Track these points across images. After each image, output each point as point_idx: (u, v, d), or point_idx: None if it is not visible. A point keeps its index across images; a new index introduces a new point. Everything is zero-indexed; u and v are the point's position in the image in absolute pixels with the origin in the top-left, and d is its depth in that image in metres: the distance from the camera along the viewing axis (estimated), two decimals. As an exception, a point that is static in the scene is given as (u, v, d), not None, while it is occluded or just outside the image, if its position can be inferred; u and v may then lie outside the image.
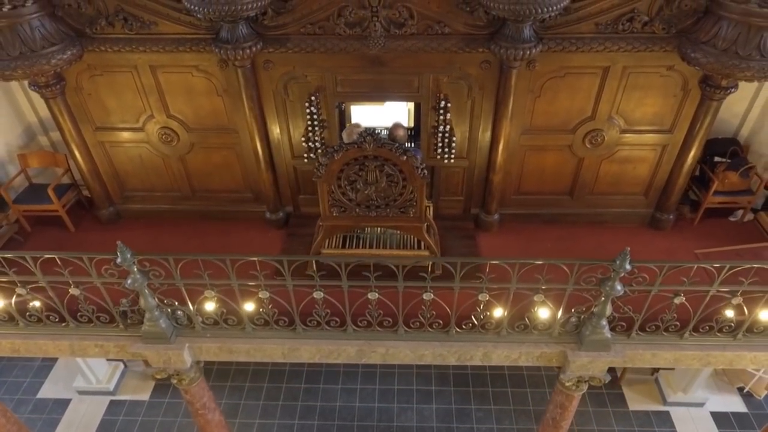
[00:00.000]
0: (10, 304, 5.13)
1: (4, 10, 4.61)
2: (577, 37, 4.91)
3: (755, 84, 5.93)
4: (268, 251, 6.21)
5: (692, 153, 5.65)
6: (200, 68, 5.36)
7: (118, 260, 4.49)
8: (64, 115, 5.71)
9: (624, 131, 5.66)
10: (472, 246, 6.21)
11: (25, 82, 6.15)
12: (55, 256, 4.63)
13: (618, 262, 4.36)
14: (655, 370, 8.55)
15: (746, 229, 6.37)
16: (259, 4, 4.58)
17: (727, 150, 6.18)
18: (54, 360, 9.03)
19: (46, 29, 4.86)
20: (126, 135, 6.01)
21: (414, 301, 4.80)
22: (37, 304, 5.20)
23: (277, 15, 4.90)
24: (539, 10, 4.33)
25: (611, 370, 8.33)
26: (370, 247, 5.77)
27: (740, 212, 6.44)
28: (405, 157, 4.83)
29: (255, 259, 4.63)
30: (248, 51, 4.92)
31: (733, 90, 5.11)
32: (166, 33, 5.08)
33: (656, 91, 5.33)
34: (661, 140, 5.71)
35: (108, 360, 8.66)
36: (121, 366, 8.82)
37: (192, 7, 4.52)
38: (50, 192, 6.26)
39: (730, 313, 4.87)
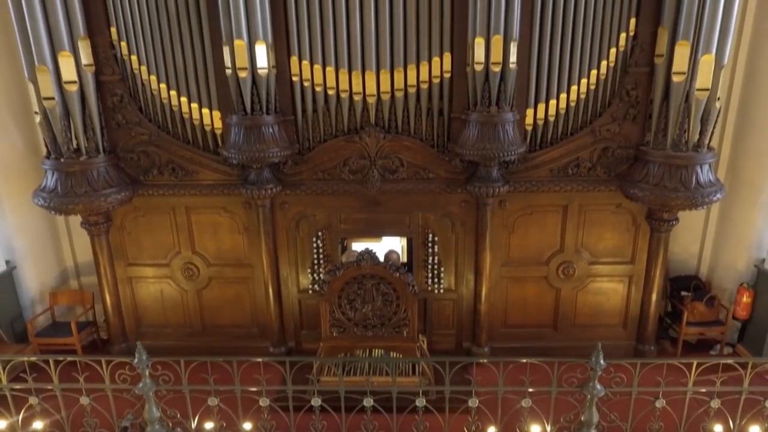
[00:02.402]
0: (17, 421, 5.31)
1: (82, 159, 5.86)
2: (536, 179, 6.06)
3: (702, 224, 6.90)
4: (269, 383, 6.45)
5: (657, 282, 6.33)
6: (227, 209, 6.42)
7: (135, 361, 4.90)
8: (103, 252, 6.60)
9: (592, 263, 6.44)
10: (465, 377, 6.46)
11: (74, 229, 7.23)
12: (76, 360, 5.05)
13: (594, 359, 4.75)
14: None
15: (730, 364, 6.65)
16: (282, 153, 5.84)
17: (690, 285, 6.85)
18: None
19: (109, 175, 6.05)
20: (152, 271, 6.80)
21: (408, 409, 5.00)
22: (40, 425, 5.37)
23: (295, 164, 6.14)
24: (501, 155, 5.52)
25: None
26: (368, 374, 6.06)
27: (718, 346, 6.82)
28: (398, 274, 5.56)
29: (259, 360, 5.02)
30: (269, 191, 6.03)
31: (674, 222, 6.05)
32: (204, 179, 6.27)
33: (612, 227, 6.28)
34: (625, 271, 6.45)
35: None
36: None
37: (230, 155, 5.76)
38: (72, 324, 6.80)
39: (718, 428, 5.01)
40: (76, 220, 6.95)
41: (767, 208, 6.38)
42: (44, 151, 6.26)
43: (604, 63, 5.65)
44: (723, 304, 6.70)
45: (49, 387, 5.13)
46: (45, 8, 5.30)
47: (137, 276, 6.85)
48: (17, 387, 5.20)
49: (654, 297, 6.40)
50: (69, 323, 6.86)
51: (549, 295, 6.62)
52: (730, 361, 4.77)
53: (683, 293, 6.84)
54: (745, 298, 6.47)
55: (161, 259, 6.74)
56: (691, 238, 6.98)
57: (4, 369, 5.05)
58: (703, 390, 4.83)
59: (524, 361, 4.86)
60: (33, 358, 5.11)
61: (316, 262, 6.59)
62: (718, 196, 5.57)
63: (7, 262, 6.95)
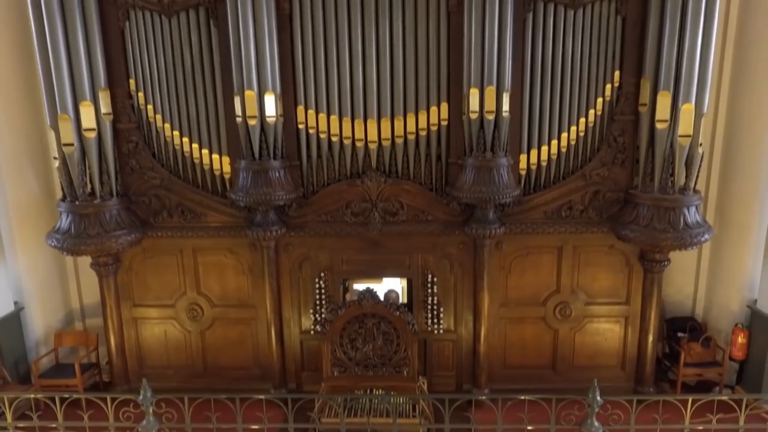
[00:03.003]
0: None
1: (96, 202, 6.13)
2: (531, 221, 6.31)
3: (694, 266, 7.07)
4: (270, 422, 6.46)
5: (652, 322, 6.45)
6: (233, 250, 6.64)
7: (140, 398, 4.98)
8: (111, 293, 6.76)
9: (588, 303, 6.58)
10: (464, 415, 6.47)
11: (82, 271, 7.41)
12: (81, 397, 5.13)
13: (590, 395, 4.83)
14: None
15: (727, 405, 6.67)
16: (288, 197, 6.12)
17: (686, 326, 6.95)
18: None
19: (121, 217, 6.30)
20: (156, 312, 6.93)
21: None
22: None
23: (300, 207, 6.40)
24: (496, 197, 5.80)
25: None
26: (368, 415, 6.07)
27: (717, 388, 6.84)
28: (398, 313, 5.70)
29: (262, 397, 5.10)
30: (274, 233, 6.26)
31: (666, 263, 6.24)
32: (212, 222, 6.52)
33: (606, 267, 6.46)
34: (621, 312, 6.59)
35: None
36: None
37: (237, 198, 6.04)
38: (76, 365, 6.86)
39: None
40: (84, 262, 7.14)
41: (757, 249, 6.59)
42: (58, 195, 6.56)
43: (591, 111, 6.01)
44: (719, 344, 6.77)
45: (53, 425, 5.17)
46: (70, 62, 5.72)
47: (142, 317, 6.97)
48: (21, 425, 5.26)
49: (650, 337, 6.50)
50: (72, 365, 6.92)
51: (547, 335, 6.73)
52: (724, 397, 4.86)
53: (679, 334, 6.93)
54: (741, 339, 6.56)
55: (167, 300, 6.88)
56: (684, 279, 7.15)
57: (9, 407, 5.13)
58: (701, 428, 4.89)
59: (522, 398, 4.95)
60: (39, 396, 5.18)
61: (318, 303, 6.74)
62: (706, 236, 5.79)
63: (15, 303, 7.09)
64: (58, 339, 7.36)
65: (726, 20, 6.37)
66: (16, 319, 7.05)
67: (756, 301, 6.62)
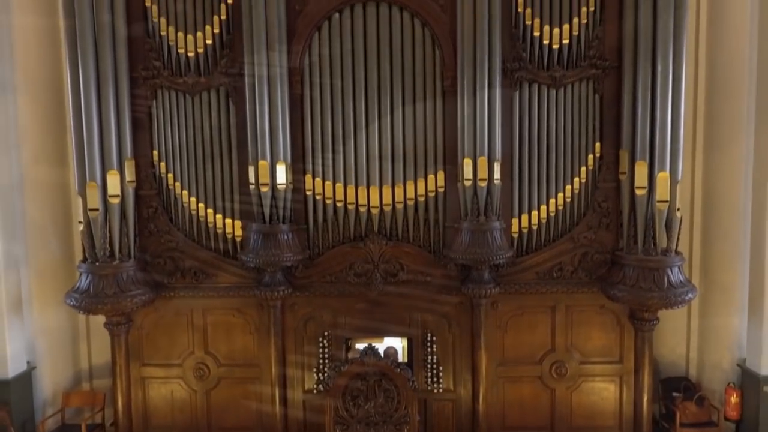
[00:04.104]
0: None
1: (114, 263, 6.53)
2: (524, 282, 6.66)
3: (685, 326, 7.31)
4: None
5: (646, 381, 6.63)
6: (241, 310, 6.95)
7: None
8: (121, 352, 6.99)
9: (582, 362, 6.79)
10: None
11: (93, 331, 7.67)
12: (91, 451, 5.28)
13: (585, 448, 5.00)
14: None
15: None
16: (295, 258, 6.53)
17: (681, 386, 7.10)
18: None
19: (137, 278, 6.67)
20: (164, 371, 7.12)
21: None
22: None
23: (306, 268, 6.79)
24: (490, 258, 6.19)
25: None
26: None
27: (717, 451, 6.90)
28: (399, 370, 5.93)
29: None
30: (281, 293, 6.61)
31: (655, 322, 6.51)
32: (222, 283, 6.88)
33: (598, 327, 6.74)
34: (615, 371, 6.78)
35: None
36: None
37: (248, 259, 6.44)
38: (82, 426, 6.96)
39: None
40: (95, 322, 7.41)
41: (742, 309, 6.87)
42: (77, 257, 6.96)
43: (576, 179, 6.54)
44: (713, 404, 6.89)
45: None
46: (102, 135, 6.31)
47: (150, 376, 7.15)
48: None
49: (645, 397, 6.65)
50: (77, 425, 7.02)
51: (544, 395, 6.88)
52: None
53: (674, 394, 7.05)
54: (734, 398, 6.70)
55: (175, 360, 7.09)
56: (677, 339, 7.37)
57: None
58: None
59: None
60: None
61: (321, 362, 6.95)
62: (690, 296, 6.12)
63: (28, 363, 7.30)
64: (66, 399, 7.49)
65: (695, 95, 6.99)
66: (27, 378, 7.22)
67: (745, 359, 6.81)
